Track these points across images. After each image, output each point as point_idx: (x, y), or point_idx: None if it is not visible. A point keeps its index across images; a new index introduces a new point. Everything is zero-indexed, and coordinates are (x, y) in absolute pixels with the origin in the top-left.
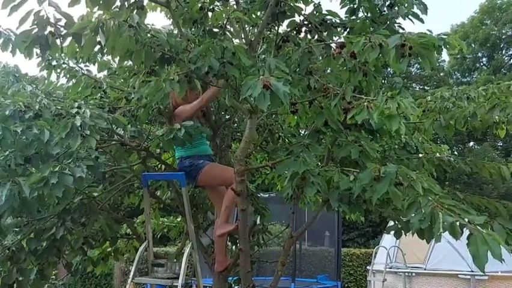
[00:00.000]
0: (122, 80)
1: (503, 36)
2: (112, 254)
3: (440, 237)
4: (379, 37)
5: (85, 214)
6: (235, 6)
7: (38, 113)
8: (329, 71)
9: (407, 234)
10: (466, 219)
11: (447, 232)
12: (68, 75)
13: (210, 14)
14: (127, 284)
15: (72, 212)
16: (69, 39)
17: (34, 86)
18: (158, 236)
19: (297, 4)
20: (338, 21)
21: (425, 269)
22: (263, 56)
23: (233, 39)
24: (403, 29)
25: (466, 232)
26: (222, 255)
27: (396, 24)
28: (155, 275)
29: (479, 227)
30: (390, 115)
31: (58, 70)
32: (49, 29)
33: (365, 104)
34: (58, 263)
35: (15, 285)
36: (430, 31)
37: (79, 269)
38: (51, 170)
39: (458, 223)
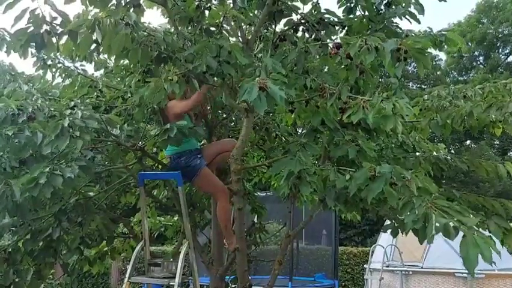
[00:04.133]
0: (118, 79)
1: (500, 35)
2: (109, 253)
3: (432, 239)
4: (375, 39)
5: (81, 214)
6: (231, 5)
7: (31, 116)
8: (326, 69)
9: (404, 232)
10: (460, 221)
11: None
12: (63, 75)
13: (206, 12)
14: (123, 283)
15: (68, 212)
16: (65, 37)
17: (31, 85)
18: (155, 235)
19: (294, 3)
20: (335, 20)
21: (422, 268)
22: (260, 55)
23: (230, 37)
24: (400, 28)
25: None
26: (232, 237)
27: (393, 24)
28: (152, 274)
29: (472, 229)
30: (385, 115)
31: (54, 69)
32: (45, 27)
33: (361, 103)
34: (55, 263)
35: (11, 286)
36: (430, 28)
37: (76, 268)
38: (41, 170)
39: (451, 224)
